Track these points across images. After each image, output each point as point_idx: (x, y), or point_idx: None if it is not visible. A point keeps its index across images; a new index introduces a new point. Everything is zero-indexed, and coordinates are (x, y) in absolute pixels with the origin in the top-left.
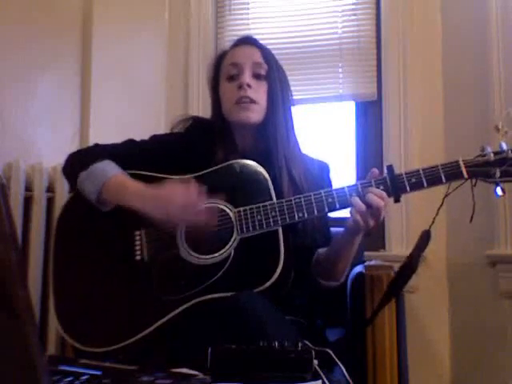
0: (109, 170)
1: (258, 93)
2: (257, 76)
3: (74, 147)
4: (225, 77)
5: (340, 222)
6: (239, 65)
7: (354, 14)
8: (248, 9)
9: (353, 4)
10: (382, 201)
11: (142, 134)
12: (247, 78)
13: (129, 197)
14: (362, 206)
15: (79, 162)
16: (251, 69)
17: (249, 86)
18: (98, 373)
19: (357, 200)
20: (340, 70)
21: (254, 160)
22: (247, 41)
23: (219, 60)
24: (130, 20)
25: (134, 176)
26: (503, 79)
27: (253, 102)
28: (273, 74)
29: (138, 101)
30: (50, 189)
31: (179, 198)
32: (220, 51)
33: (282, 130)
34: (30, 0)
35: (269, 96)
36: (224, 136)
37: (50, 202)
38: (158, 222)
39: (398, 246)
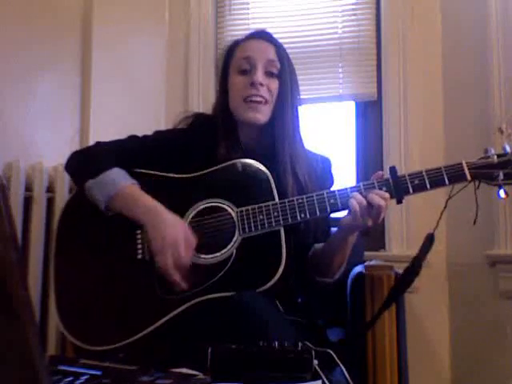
0: (118, 180)
1: (269, 91)
2: (269, 73)
3: (74, 147)
4: (236, 69)
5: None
6: (253, 60)
7: (354, 14)
8: (248, 9)
9: (353, 4)
10: (383, 201)
11: (141, 133)
12: (260, 76)
13: (137, 213)
14: (363, 201)
15: (85, 166)
16: (264, 66)
17: (261, 84)
18: (98, 373)
19: (358, 194)
20: (340, 70)
21: (257, 158)
22: (262, 35)
23: (231, 50)
24: (130, 20)
25: (137, 175)
26: (503, 79)
27: (263, 101)
28: (285, 72)
29: (138, 101)
30: (50, 189)
31: (180, 249)
32: (232, 41)
33: (288, 128)
34: (30, 0)
35: (278, 95)
36: (227, 132)
37: (50, 202)
38: (149, 244)
39: (398, 246)
